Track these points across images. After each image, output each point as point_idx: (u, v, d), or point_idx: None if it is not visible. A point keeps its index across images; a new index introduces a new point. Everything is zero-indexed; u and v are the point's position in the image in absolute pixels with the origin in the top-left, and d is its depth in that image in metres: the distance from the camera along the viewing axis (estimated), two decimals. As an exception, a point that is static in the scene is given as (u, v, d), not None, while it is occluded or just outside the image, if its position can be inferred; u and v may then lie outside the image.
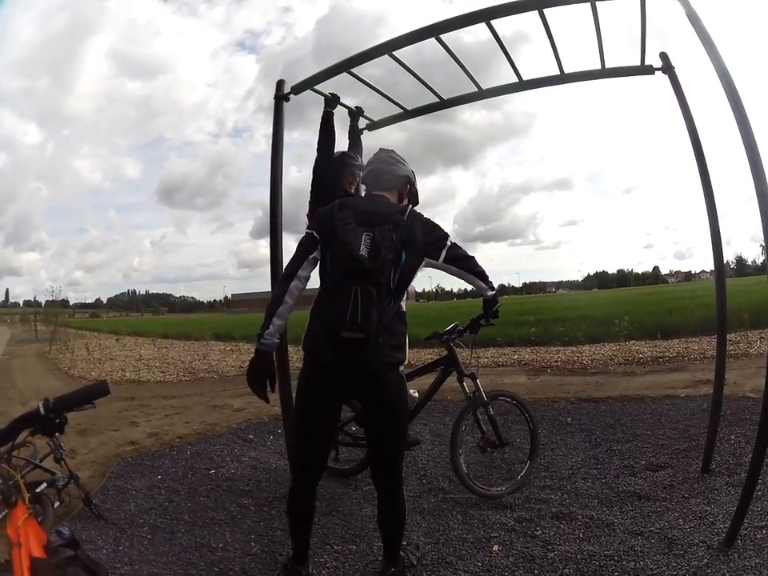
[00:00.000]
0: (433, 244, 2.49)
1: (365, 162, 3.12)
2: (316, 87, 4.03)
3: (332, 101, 4.16)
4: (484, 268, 2.75)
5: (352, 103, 4.51)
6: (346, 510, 3.55)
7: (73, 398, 1.71)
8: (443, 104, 4.34)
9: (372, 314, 2.24)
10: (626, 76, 3.71)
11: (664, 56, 3.50)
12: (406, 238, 2.37)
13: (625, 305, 20.96)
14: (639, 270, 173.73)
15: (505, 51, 3.59)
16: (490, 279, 2.81)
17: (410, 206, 2.60)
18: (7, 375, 13.32)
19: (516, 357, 10.71)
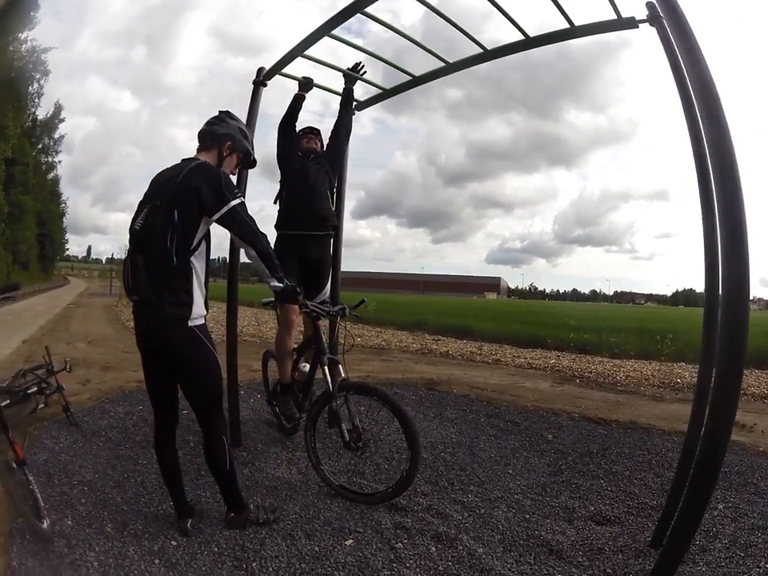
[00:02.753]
0: (212, 201, 2.49)
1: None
2: (287, 72, 4.02)
3: (305, 84, 4.10)
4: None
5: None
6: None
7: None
8: (416, 81, 4.04)
9: (139, 279, 2.47)
10: (603, 32, 3.03)
11: (650, 5, 2.66)
12: (176, 197, 2.48)
13: (695, 324, 19.64)
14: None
15: (454, 24, 3.31)
16: (277, 266, 2.68)
17: (199, 162, 2.62)
18: (66, 321, 14.74)
19: (553, 362, 10.01)
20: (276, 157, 4.20)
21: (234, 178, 2.83)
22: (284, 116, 4.19)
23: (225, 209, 2.49)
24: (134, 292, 2.50)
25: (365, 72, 4.20)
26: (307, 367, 3.87)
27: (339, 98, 4.35)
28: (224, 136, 2.73)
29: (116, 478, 3.39)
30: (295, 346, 4.09)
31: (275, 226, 4.17)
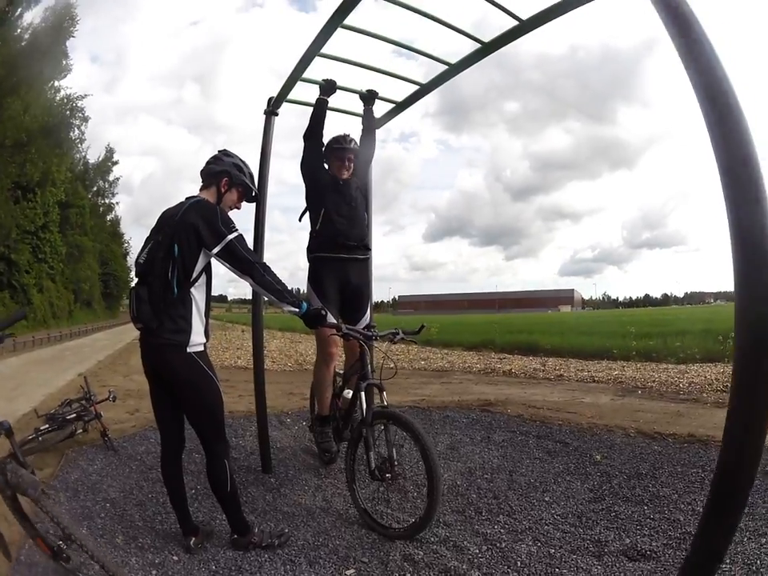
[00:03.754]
0: (210, 236, 2.69)
1: None
2: (295, 98, 4.19)
3: (326, 88, 4.00)
4: (285, 283, 2.83)
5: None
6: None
7: (3, 321, 2.46)
8: (425, 89, 4.09)
9: (142, 309, 2.69)
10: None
11: None
12: (176, 232, 2.70)
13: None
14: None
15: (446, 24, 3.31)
16: (284, 290, 2.80)
17: (197, 198, 2.87)
18: (127, 355, 15.73)
19: (617, 373, 9.86)
20: (300, 168, 4.10)
21: (236, 213, 3.07)
22: (308, 125, 4.06)
23: (223, 243, 2.69)
24: (138, 320, 2.72)
25: (376, 94, 4.29)
26: (350, 394, 3.82)
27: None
28: (220, 173, 2.95)
29: (140, 498, 3.70)
30: (341, 371, 4.13)
31: (309, 249, 4.08)
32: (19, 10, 29.16)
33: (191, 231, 2.69)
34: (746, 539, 2.75)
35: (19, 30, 29.93)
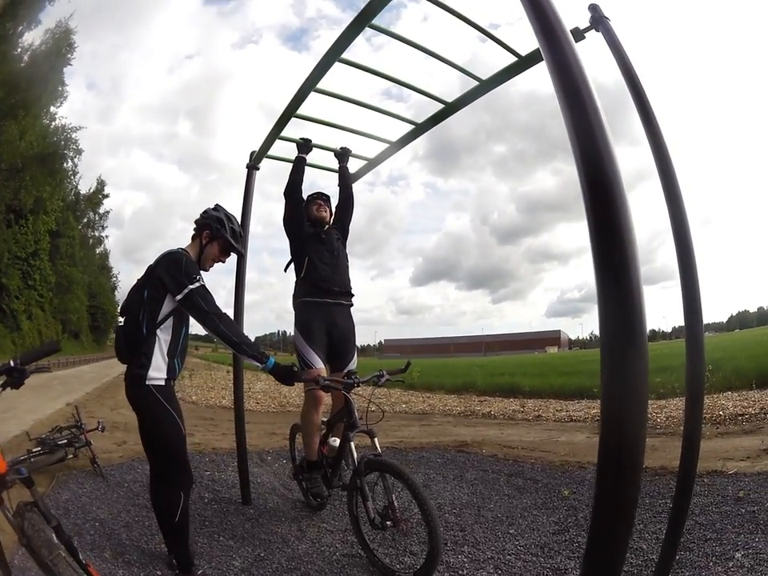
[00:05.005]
0: (174, 285, 2.96)
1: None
2: (275, 155, 4.46)
3: (303, 146, 4.27)
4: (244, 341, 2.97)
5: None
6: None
7: (32, 353, 2.44)
8: (394, 146, 4.29)
9: (119, 345, 3.09)
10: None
11: (593, 7, 2.66)
12: (147, 280, 3.06)
13: (745, 348, 18.15)
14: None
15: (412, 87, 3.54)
16: (242, 344, 2.94)
17: (171, 250, 3.15)
18: (114, 389, 15.68)
19: (595, 411, 9.80)
20: (283, 224, 4.27)
21: (220, 265, 3.40)
22: (288, 181, 4.24)
23: (184, 291, 2.94)
24: (117, 354, 3.12)
25: (349, 151, 4.57)
26: (337, 442, 3.78)
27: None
28: (203, 226, 3.26)
29: (127, 520, 3.97)
30: (324, 419, 4.11)
31: (295, 296, 4.21)
32: (20, 28, 29.44)
33: (157, 279, 3.00)
34: (711, 563, 2.89)
35: (19, 50, 30.30)
